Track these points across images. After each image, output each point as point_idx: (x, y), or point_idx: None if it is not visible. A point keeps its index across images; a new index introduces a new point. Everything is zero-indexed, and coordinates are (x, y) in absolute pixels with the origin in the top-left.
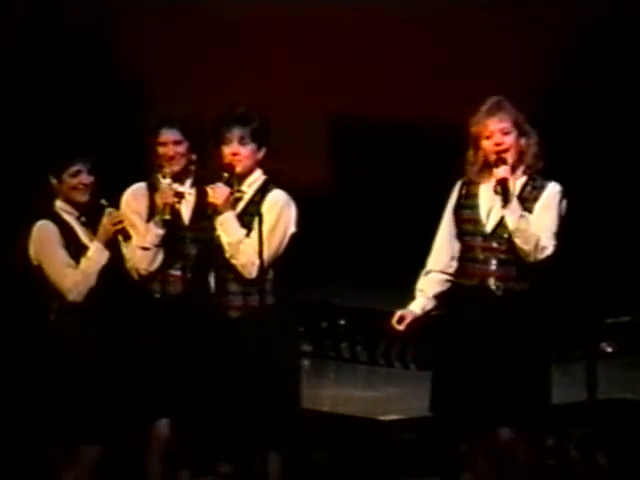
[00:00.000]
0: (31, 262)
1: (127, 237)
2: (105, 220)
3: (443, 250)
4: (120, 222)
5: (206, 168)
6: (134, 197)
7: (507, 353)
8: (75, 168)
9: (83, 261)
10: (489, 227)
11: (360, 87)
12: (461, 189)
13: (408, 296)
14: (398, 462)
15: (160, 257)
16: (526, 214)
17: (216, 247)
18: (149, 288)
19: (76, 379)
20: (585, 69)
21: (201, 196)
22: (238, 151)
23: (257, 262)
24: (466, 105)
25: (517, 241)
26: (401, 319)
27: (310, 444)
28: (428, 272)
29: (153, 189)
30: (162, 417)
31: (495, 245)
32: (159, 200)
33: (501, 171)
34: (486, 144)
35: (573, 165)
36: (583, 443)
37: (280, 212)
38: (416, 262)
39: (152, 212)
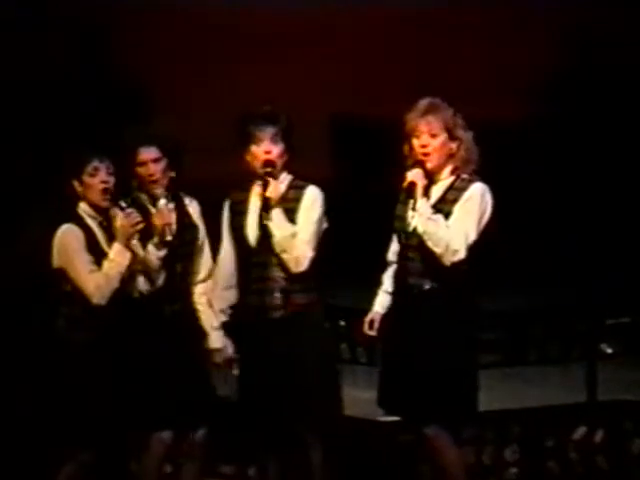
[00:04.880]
0: (51, 264)
1: (147, 237)
2: (124, 221)
3: (396, 241)
4: (139, 222)
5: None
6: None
7: (420, 351)
8: (92, 165)
9: (105, 263)
10: (411, 226)
11: (360, 87)
12: (405, 186)
13: None
14: (397, 464)
15: (162, 277)
16: (436, 217)
17: (255, 247)
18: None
19: (81, 383)
20: (585, 68)
21: (181, 211)
22: (271, 149)
23: (309, 255)
24: (467, 105)
25: (428, 243)
26: (371, 324)
27: (309, 444)
28: (390, 263)
29: (136, 207)
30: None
31: (414, 244)
32: (158, 222)
33: (411, 174)
34: (415, 143)
35: (574, 166)
36: (583, 444)
37: (321, 207)
38: None
39: (142, 232)
